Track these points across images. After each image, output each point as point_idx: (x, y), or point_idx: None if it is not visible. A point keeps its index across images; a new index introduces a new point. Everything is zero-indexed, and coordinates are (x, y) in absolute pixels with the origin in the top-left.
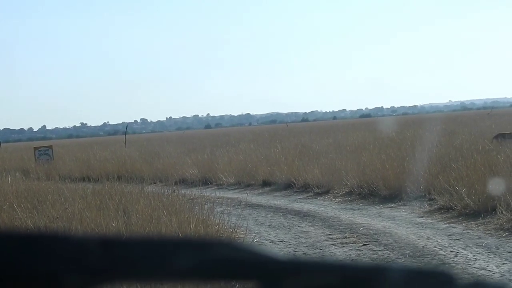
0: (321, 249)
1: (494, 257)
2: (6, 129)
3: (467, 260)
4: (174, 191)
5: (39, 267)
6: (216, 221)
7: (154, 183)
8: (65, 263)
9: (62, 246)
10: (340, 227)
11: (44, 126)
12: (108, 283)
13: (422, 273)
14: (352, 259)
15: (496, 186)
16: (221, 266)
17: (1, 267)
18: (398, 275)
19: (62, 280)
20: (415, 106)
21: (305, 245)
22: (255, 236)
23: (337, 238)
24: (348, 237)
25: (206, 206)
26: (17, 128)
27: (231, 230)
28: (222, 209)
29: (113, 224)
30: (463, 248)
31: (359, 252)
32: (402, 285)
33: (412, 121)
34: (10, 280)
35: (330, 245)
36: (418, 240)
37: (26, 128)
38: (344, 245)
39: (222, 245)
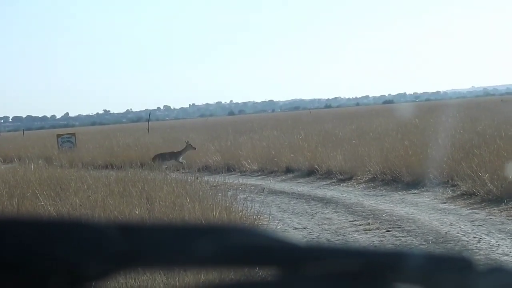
0: (344, 236)
1: None
2: (29, 117)
3: (490, 246)
4: (197, 178)
5: (59, 254)
6: (239, 208)
7: (177, 170)
8: (85, 250)
9: (82, 233)
10: (363, 214)
11: (67, 114)
12: (128, 270)
13: (442, 258)
14: (375, 245)
15: None
16: (241, 252)
17: (21, 254)
18: (417, 260)
19: (82, 267)
20: (438, 92)
21: (328, 232)
22: (278, 222)
23: (360, 225)
24: (371, 224)
25: (229, 193)
26: (40, 116)
27: (254, 217)
28: (245, 196)
29: (136, 212)
30: (486, 234)
31: (382, 239)
32: (422, 271)
33: (435, 107)
34: (29, 268)
35: (353, 231)
36: (441, 226)
37: (49, 116)
38: (367, 231)
39: (243, 232)
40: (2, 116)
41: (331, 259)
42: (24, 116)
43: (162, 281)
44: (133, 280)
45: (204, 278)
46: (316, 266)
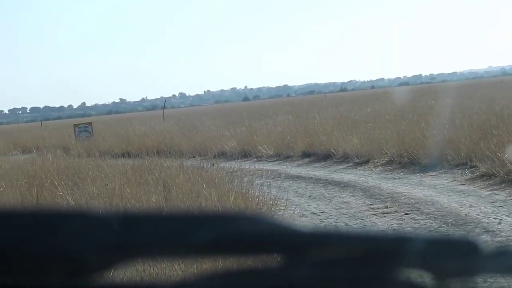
0: (362, 219)
1: None
2: (46, 107)
3: (511, 227)
4: (213, 165)
5: (58, 244)
6: (256, 194)
7: (193, 157)
8: (85, 241)
9: (82, 223)
10: (381, 197)
11: (84, 103)
12: (129, 261)
13: (446, 242)
14: (394, 229)
15: None
16: (242, 240)
17: (20, 244)
18: (421, 245)
19: (83, 258)
20: (454, 72)
21: (346, 216)
22: (295, 207)
23: (378, 208)
24: (390, 207)
25: (245, 179)
26: (57, 106)
27: (271, 202)
28: (262, 181)
29: (153, 199)
30: (506, 215)
31: (400, 222)
32: (425, 255)
33: (451, 88)
34: (29, 257)
35: (371, 215)
36: (461, 208)
37: (66, 106)
38: (385, 214)
39: (243, 219)
40: (20, 107)
41: (334, 245)
42: (41, 106)
43: (180, 268)
44: (151, 268)
45: (221, 265)
46: (320, 252)
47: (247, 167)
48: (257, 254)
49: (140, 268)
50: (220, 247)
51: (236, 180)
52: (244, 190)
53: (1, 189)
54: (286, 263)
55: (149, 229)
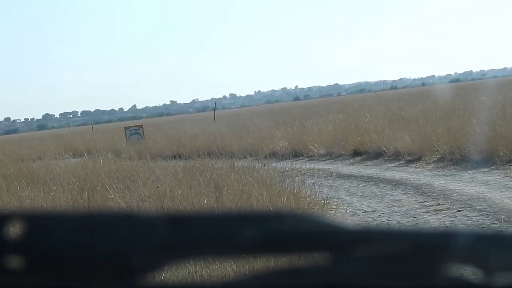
0: (414, 217)
1: None
2: (97, 110)
3: None
4: (264, 165)
5: (108, 247)
6: (308, 193)
7: (245, 158)
8: (135, 242)
9: (130, 225)
10: (433, 194)
11: (134, 106)
12: (177, 261)
13: (493, 237)
14: (446, 226)
15: None
16: (289, 238)
17: (71, 248)
18: (468, 240)
19: (133, 259)
20: (505, 68)
21: (398, 214)
22: (347, 206)
23: (430, 206)
24: (442, 204)
25: (297, 178)
26: (107, 109)
27: (323, 201)
28: (313, 180)
29: (205, 201)
30: None
31: (453, 219)
32: (473, 250)
33: (502, 83)
34: (79, 261)
35: (423, 212)
36: None
37: (116, 109)
38: (437, 212)
39: (290, 217)
40: (71, 111)
41: (380, 242)
42: (92, 110)
43: (232, 269)
44: (203, 270)
45: (269, 265)
46: (366, 249)
47: (298, 167)
48: (304, 252)
49: (191, 269)
50: (267, 246)
51: (287, 180)
52: (295, 190)
53: (53, 193)
54: (333, 260)
55: (197, 229)
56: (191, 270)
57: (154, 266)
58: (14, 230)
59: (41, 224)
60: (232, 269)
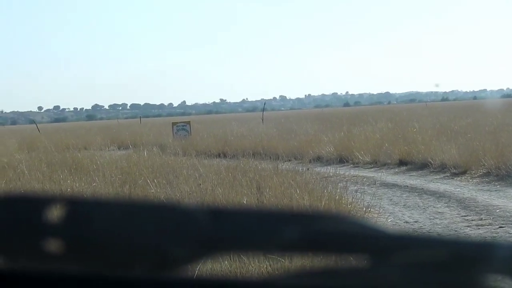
0: (455, 231)
1: None
2: (146, 104)
3: None
4: (308, 169)
5: (148, 236)
6: (349, 200)
7: (289, 161)
8: (174, 234)
9: (171, 216)
10: (476, 209)
11: (184, 102)
12: (216, 255)
13: None
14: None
15: None
16: (328, 239)
17: (110, 235)
18: (507, 252)
19: (170, 250)
20: None
21: (439, 226)
22: (389, 216)
23: (472, 220)
24: (484, 219)
25: (340, 184)
26: (157, 104)
27: (364, 209)
28: (356, 187)
29: (245, 201)
30: None
31: (494, 235)
32: (510, 263)
33: None
34: (118, 248)
35: (465, 226)
36: None
37: (166, 104)
38: (479, 227)
39: (330, 218)
40: (120, 103)
41: (419, 248)
42: (142, 103)
43: (266, 266)
44: (236, 265)
45: (305, 264)
46: (402, 255)
47: (342, 173)
48: (342, 254)
49: (227, 264)
50: (306, 246)
51: (330, 186)
52: (337, 196)
53: (94, 184)
54: (371, 264)
55: (238, 224)
56: (227, 264)
57: (192, 259)
58: (55, 214)
59: (81, 210)
60: (266, 266)
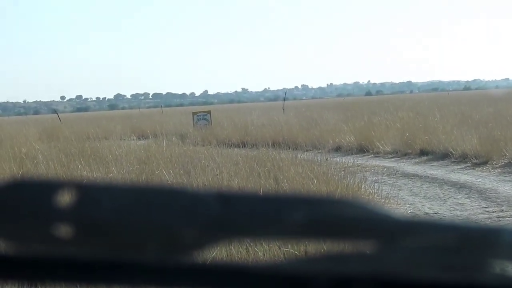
0: (476, 223)
1: None
2: (168, 93)
3: None
4: (326, 159)
5: (156, 219)
6: (368, 191)
7: (309, 150)
8: (183, 217)
9: (180, 200)
10: (497, 200)
11: (206, 91)
12: (225, 240)
13: None
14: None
15: None
16: (336, 224)
17: (119, 218)
18: None
19: (180, 234)
20: None
21: (459, 218)
22: (408, 207)
23: (493, 211)
24: (505, 211)
25: (359, 175)
26: (179, 93)
27: (383, 200)
28: (376, 178)
29: (261, 192)
30: None
31: None
32: None
33: None
34: (126, 231)
35: (485, 218)
36: None
37: (188, 93)
38: (500, 218)
39: (339, 203)
40: (142, 92)
41: (428, 232)
42: (164, 93)
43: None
44: (246, 250)
45: (313, 249)
46: (411, 240)
47: (363, 163)
48: (350, 239)
49: (236, 249)
50: (314, 230)
51: (349, 176)
52: (356, 187)
53: (111, 174)
54: (381, 248)
55: (248, 209)
56: (236, 249)
57: (203, 243)
58: (64, 198)
59: (90, 194)
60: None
